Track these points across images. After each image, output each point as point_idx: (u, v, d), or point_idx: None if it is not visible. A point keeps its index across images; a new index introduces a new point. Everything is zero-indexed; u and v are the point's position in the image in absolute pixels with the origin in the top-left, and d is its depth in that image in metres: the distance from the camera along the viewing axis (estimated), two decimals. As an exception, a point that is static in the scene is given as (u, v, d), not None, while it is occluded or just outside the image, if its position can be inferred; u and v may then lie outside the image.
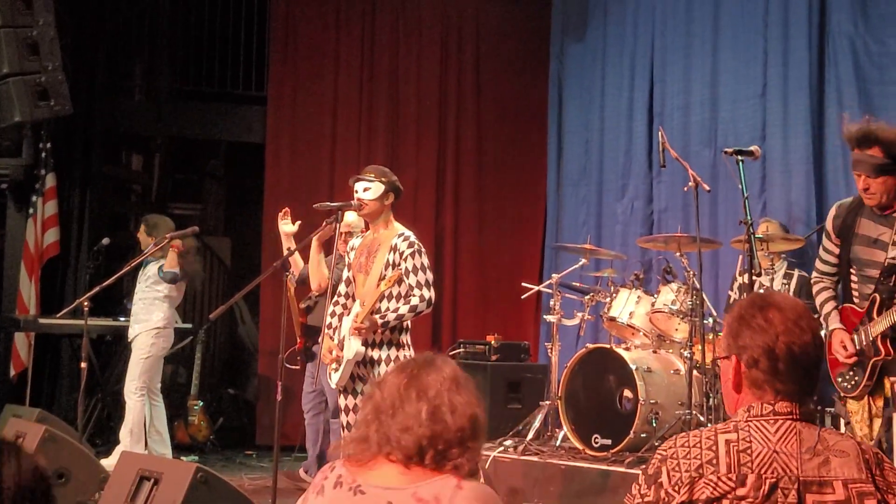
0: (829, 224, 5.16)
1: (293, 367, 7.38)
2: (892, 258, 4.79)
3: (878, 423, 4.88)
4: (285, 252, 7.11)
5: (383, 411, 2.45)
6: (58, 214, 9.57)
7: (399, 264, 5.57)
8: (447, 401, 2.44)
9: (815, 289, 5.23)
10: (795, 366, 2.41)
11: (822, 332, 5.02)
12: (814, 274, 5.29)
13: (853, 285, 5.02)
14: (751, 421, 2.41)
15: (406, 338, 5.68)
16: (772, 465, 2.33)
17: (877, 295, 4.83)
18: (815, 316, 5.02)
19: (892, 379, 4.83)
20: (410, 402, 2.44)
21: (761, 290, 6.56)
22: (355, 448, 2.47)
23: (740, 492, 2.31)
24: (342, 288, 5.93)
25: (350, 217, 6.87)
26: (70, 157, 10.07)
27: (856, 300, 5.01)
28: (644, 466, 2.51)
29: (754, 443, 2.36)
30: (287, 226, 7.28)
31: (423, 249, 5.68)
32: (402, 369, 2.54)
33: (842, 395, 5.02)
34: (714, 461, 2.35)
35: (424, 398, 2.44)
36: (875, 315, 4.84)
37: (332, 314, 5.88)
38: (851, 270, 5.02)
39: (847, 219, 5.02)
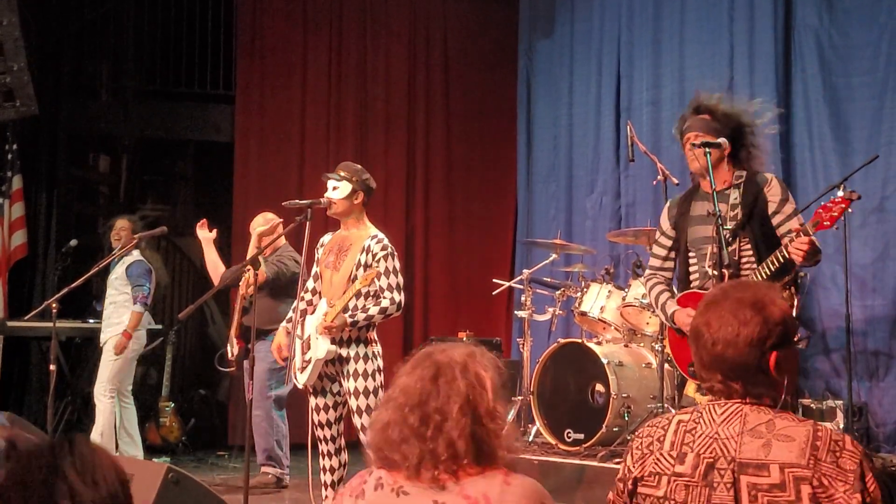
0: (663, 218, 5.33)
1: (225, 369, 7.41)
2: (731, 229, 4.87)
3: None
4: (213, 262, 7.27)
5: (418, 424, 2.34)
6: (25, 216, 9.49)
7: (371, 265, 5.56)
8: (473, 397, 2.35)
9: (647, 285, 5.35)
10: (723, 365, 2.44)
11: (665, 316, 5.14)
12: (647, 272, 5.42)
13: (692, 268, 5.11)
14: (711, 403, 2.48)
15: (373, 334, 5.66)
16: (711, 445, 2.39)
17: (725, 270, 4.71)
18: (654, 311, 5.15)
19: None
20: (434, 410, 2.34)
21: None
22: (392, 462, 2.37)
23: (678, 469, 2.40)
24: (310, 284, 5.91)
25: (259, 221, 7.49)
26: (36, 159, 9.99)
27: (695, 283, 5.08)
28: None
29: (701, 424, 2.43)
30: (204, 233, 7.70)
31: (395, 253, 5.68)
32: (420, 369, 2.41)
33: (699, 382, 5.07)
34: (661, 438, 2.46)
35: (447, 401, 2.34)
36: None
37: (295, 309, 5.85)
38: (690, 254, 5.13)
39: (681, 208, 5.20)
